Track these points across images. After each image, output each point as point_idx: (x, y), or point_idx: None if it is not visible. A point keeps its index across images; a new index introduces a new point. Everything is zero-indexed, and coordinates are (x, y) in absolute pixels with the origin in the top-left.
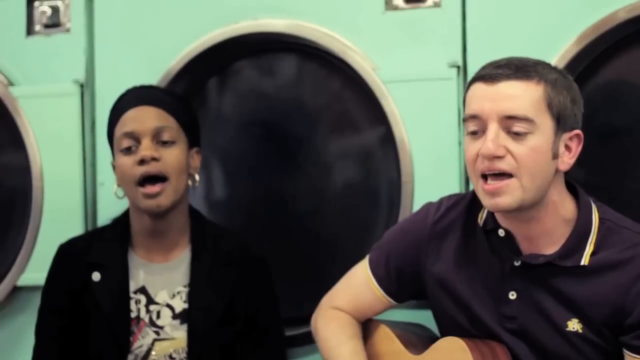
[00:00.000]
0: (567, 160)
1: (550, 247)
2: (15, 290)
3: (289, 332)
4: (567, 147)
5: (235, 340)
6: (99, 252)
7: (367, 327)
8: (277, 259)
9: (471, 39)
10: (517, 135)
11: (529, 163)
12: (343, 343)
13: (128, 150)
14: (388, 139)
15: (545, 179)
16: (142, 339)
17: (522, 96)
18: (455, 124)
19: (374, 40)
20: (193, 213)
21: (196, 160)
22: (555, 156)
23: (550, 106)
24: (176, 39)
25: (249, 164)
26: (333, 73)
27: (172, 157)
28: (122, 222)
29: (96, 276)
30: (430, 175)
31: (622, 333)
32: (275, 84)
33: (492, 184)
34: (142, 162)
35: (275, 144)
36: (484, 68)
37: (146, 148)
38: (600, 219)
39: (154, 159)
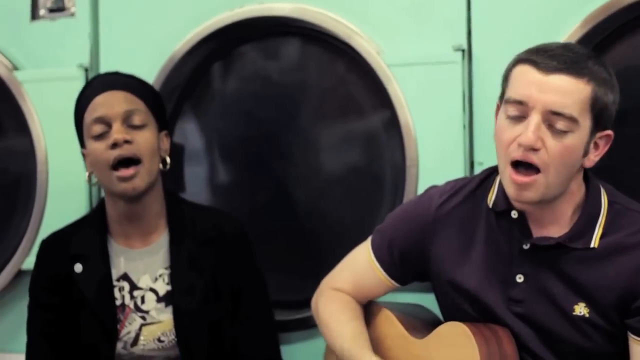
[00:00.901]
0: (593, 158)
1: (560, 230)
2: (20, 274)
3: (292, 316)
4: (596, 145)
5: (223, 318)
6: (79, 244)
7: (368, 310)
8: (281, 243)
9: (476, 22)
10: (556, 131)
11: (560, 160)
12: (344, 324)
13: (100, 136)
14: (393, 123)
15: (570, 175)
16: (130, 326)
17: (571, 94)
18: (460, 108)
19: (379, 24)
20: (169, 195)
21: (166, 143)
22: (585, 154)
23: (593, 107)
24: (181, 23)
25: (253, 148)
26: (338, 57)
27: (144, 139)
28: (98, 210)
29: (78, 267)
30: (435, 160)
31: (628, 316)
32: (279, 68)
33: (521, 177)
34: (114, 145)
35: (279, 128)
36: (537, 52)
37: (118, 131)
38: (609, 201)
39: (127, 142)
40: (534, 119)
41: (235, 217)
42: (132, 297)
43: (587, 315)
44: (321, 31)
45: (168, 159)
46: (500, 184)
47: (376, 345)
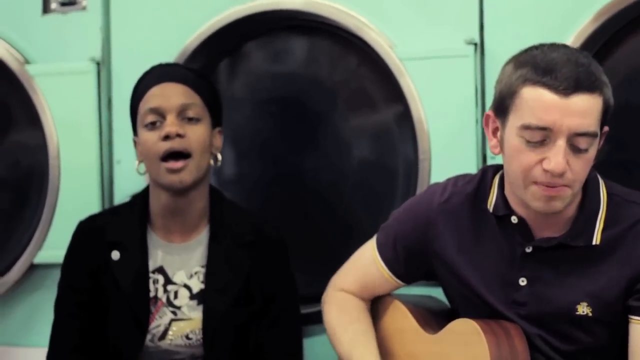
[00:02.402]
0: (595, 155)
1: (561, 229)
2: (32, 267)
3: (305, 310)
4: None
5: (251, 322)
6: (118, 231)
7: (380, 302)
8: (294, 236)
9: (488, 15)
10: (578, 149)
11: (583, 174)
12: (344, 329)
13: (153, 126)
14: (405, 117)
15: (586, 178)
16: (160, 319)
17: (592, 111)
18: (472, 102)
19: (391, 18)
20: (214, 193)
21: (218, 140)
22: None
23: (605, 114)
24: (193, 17)
25: (266, 143)
26: (349, 51)
27: (197, 134)
28: (141, 200)
29: (115, 255)
30: (447, 153)
31: (629, 297)
32: (291, 62)
33: (551, 190)
34: (166, 137)
35: (291, 123)
36: (545, 72)
37: (171, 124)
38: (608, 194)
39: (179, 135)
40: (561, 144)
41: (276, 225)
42: (165, 290)
43: (590, 314)
44: (332, 24)
45: (219, 156)
46: (499, 187)
47: (386, 339)
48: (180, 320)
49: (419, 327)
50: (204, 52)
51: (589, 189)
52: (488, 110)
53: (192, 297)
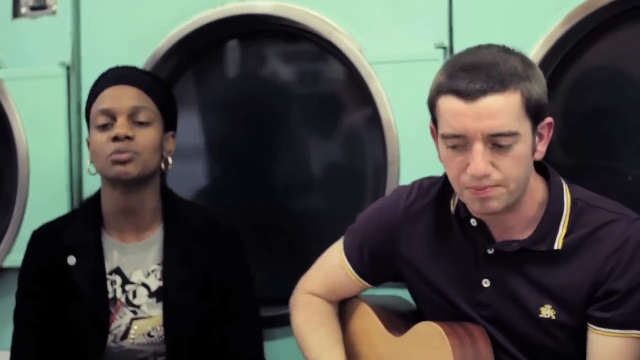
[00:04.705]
0: (540, 149)
1: (524, 233)
2: (2, 271)
3: (271, 313)
4: (540, 135)
5: (212, 316)
6: (73, 236)
7: (347, 304)
8: (262, 239)
9: (458, 19)
10: (501, 148)
11: (514, 172)
12: (312, 333)
13: (103, 127)
14: (374, 120)
15: (527, 176)
16: (120, 319)
17: (504, 111)
18: None
19: (361, 21)
20: (165, 193)
21: (170, 144)
22: (533, 151)
23: (528, 108)
24: (163, 21)
25: (236, 146)
26: (319, 54)
27: (146, 137)
28: (93, 203)
29: (71, 260)
30: (416, 157)
31: (588, 306)
32: (261, 66)
33: (481, 191)
34: (115, 139)
35: (261, 126)
36: (454, 77)
37: (121, 126)
38: (572, 199)
39: (128, 138)
40: (478, 147)
41: (228, 217)
42: (123, 291)
43: (553, 317)
44: (302, 28)
45: (170, 160)
46: None
47: (353, 341)
48: (140, 319)
49: (384, 329)
50: (174, 56)
51: (552, 193)
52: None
53: (151, 295)
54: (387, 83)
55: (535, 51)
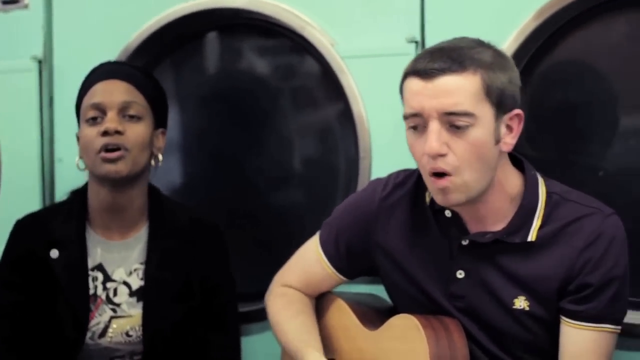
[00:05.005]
0: (509, 141)
1: (498, 224)
2: None
3: (248, 308)
4: (509, 127)
5: (191, 318)
6: (57, 229)
7: (322, 300)
8: (236, 234)
9: (430, 14)
10: (458, 129)
11: (470, 158)
12: (288, 321)
13: (93, 121)
14: (346, 115)
15: (489, 167)
16: (99, 317)
17: (460, 91)
18: None
19: (333, 16)
20: (152, 191)
21: (160, 141)
22: (497, 141)
23: (488, 94)
24: (135, 15)
25: (208, 141)
26: (292, 49)
27: (136, 132)
28: (80, 197)
29: (54, 253)
30: (388, 151)
31: (561, 299)
32: (234, 60)
33: (440, 180)
34: (105, 133)
35: (234, 121)
36: (418, 60)
37: (111, 120)
38: (547, 193)
39: (118, 132)
40: (432, 126)
41: (215, 221)
42: (104, 288)
43: (527, 308)
44: (274, 23)
45: (160, 157)
46: None
47: (329, 336)
48: (120, 318)
49: (360, 324)
50: (146, 50)
51: (527, 187)
52: None
53: (132, 294)
54: (359, 77)
55: (507, 45)
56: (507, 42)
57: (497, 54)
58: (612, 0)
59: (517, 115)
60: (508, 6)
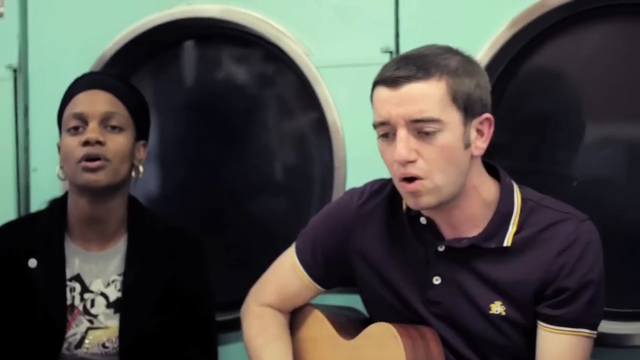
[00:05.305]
0: (480, 145)
1: (474, 230)
2: None
3: (226, 317)
4: (479, 132)
5: (169, 330)
6: (36, 239)
7: (299, 311)
8: (213, 242)
9: (404, 24)
10: (426, 135)
11: (440, 163)
12: (265, 347)
13: (75, 131)
14: (322, 124)
15: (460, 171)
16: (76, 327)
17: (425, 97)
18: None
19: (308, 26)
20: (132, 203)
21: (141, 153)
22: (467, 145)
23: (455, 99)
24: (110, 24)
25: (185, 150)
26: (267, 58)
27: (117, 143)
28: (59, 207)
29: (32, 262)
30: (363, 160)
31: (538, 304)
32: (210, 70)
33: (410, 185)
34: (86, 143)
35: (210, 130)
36: (385, 69)
37: (92, 130)
38: (522, 199)
39: (99, 142)
40: (400, 134)
41: (194, 234)
42: (82, 299)
43: (503, 313)
44: (250, 32)
45: (141, 169)
46: None
47: (306, 347)
48: (96, 329)
49: (336, 334)
50: (121, 59)
51: (503, 193)
52: None
53: (109, 305)
54: (334, 87)
55: (481, 55)
56: (482, 52)
57: (465, 59)
58: (585, 11)
59: (487, 119)
60: (482, 16)
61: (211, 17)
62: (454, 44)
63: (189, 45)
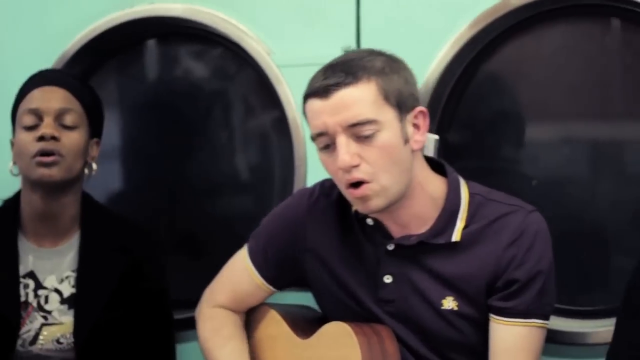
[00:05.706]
0: (418, 139)
1: (422, 228)
2: None
3: (183, 315)
4: (415, 126)
5: (124, 325)
6: None
7: (254, 311)
8: (172, 241)
9: (365, 23)
10: (366, 138)
11: (384, 163)
12: (220, 348)
13: (30, 128)
14: (282, 123)
15: (404, 168)
16: (30, 324)
17: (358, 101)
18: None
19: (269, 25)
20: (85, 199)
21: (95, 150)
22: (406, 141)
23: (387, 98)
24: (71, 22)
25: (144, 148)
26: (228, 57)
27: (71, 139)
28: (12, 205)
29: None
30: None
31: (489, 296)
32: (171, 69)
33: (357, 190)
34: (41, 138)
35: (170, 128)
36: (313, 80)
37: (47, 126)
38: (470, 194)
39: (53, 138)
40: (340, 140)
41: (150, 229)
42: (36, 295)
43: (455, 308)
44: (211, 32)
45: (94, 166)
46: None
47: (262, 347)
48: (51, 325)
49: (292, 333)
50: (83, 57)
51: (450, 189)
52: None
53: (63, 301)
54: (295, 86)
55: (443, 53)
56: (443, 51)
57: (389, 58)
58: (546, 11)
59: (421, 112)
60: (444, 15)
61: (174, 16)
62: (415, 43)
63: (151, 44)
